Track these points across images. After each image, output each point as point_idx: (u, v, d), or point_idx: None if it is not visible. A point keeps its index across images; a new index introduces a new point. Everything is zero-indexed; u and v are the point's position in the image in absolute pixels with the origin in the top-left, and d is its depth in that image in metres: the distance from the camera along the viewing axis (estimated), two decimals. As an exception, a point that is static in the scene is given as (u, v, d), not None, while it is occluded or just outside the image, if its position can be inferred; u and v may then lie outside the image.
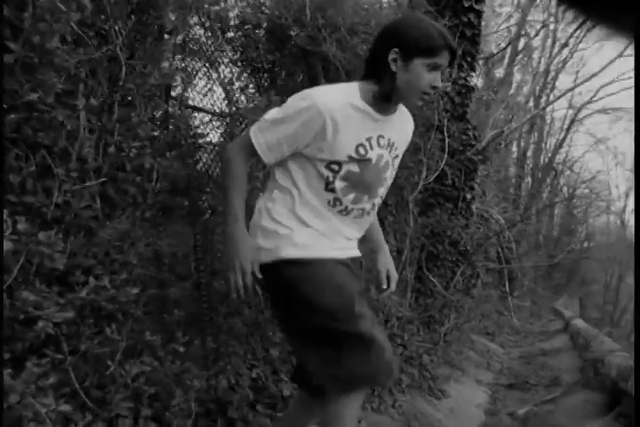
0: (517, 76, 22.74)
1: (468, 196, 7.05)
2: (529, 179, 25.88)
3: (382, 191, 2.13)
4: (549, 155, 26.34)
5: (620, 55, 19.42)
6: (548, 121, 27.75)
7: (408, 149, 2.22)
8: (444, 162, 5.88)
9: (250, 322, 3.59)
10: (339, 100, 1.91)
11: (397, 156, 2.13)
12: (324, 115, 1.87)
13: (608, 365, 5.86)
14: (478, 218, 9.19)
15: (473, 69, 7.48)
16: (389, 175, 2.11)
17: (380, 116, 2.00)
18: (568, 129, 25.03)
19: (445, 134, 6.04)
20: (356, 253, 2.21)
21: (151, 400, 2.52)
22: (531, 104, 23.02)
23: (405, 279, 6.11)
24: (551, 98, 22.45)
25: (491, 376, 9.06)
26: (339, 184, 1.98)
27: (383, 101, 1.97)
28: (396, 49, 1.86)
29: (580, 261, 37.53)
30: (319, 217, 2.01)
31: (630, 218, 37.75)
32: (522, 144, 25.86)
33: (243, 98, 4.17)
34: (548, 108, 25.23)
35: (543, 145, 27.81)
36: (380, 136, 2.02)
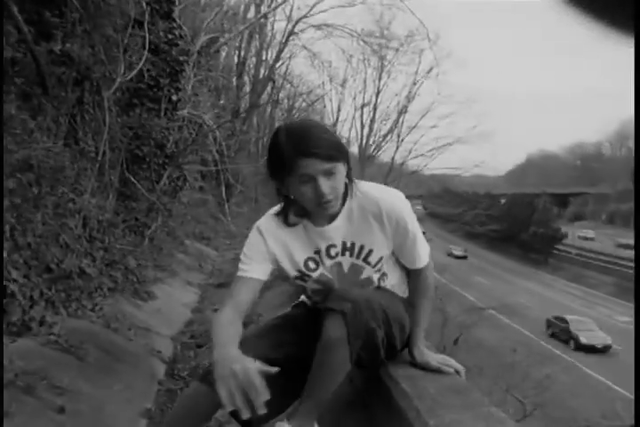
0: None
1: (174, 97, 6.88)
2: (248, 88, 26.34)
3: (370, 286, 2.00)
4: (269, 66, 26.93)
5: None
6: (269, 34, 28.23)
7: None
8: (143, 59, 5.60)
9: None
10: (268, 217, 1.93)
11: (371, 251, 1.91)
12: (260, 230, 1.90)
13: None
14: (192, 124, 9.13)
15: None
16: (370, 273, 1.96)
17: (318, 227, 1.88)
18: (286, 42, 25.67)
19: (147, 30, 5.74)
20: None
21: None
22: (251, 14, 23.06)
23: (107, 182, 5.88)
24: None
25: (202, 277, 9.42)
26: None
27: (306, 215, 1.88)
28: (270, 177, 1.78)
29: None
30: None
31: (341, 129, 40.86)
32: (242, 54, 26.02)
33: None
34: (268, 21, 25.55)
35: (263, 57, 28.34)
36: (331, 245, 1.90)
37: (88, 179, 5.36)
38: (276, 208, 1.92)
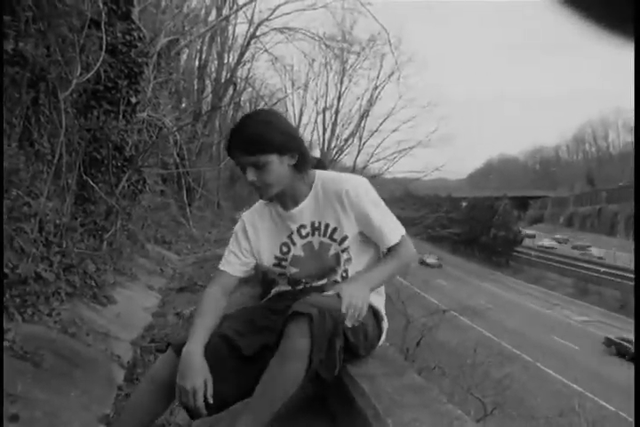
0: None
1: (133, 99, 6.79)
2: (209, 91, 26.17)
3: (336, 266, 2.06)
4: (231, 69, 26.82)
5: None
6: (230, 36, 28.12)
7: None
8: (100, 60, 5.52)
9: None
10: (252, 209, 2.16)
11: (335, 228, 2.03)
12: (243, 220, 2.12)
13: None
14: (152, 127, 9.03)
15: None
16: (337, 250, 2.04)
17: (288, 211, 2.04)
18: (248, 44, 25.58)
19: (104, 31, 5.66)
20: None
21: None
22: (212, 17, 22.93)
23: (64, 185, 5.78)
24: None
25: (163, 282, 9.31)
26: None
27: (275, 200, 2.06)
28: None
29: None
30: None
31: (303, 133, 40.90)
32: (203, 57, 25.85)
33: None
34: (230, 24, 25.44)
35: (225, 60, 28.21)
36: (302, 226, 2.05)
37: (44, 182, 5.25)
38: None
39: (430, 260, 48.64)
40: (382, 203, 2.04)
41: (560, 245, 57.90)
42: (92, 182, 6.13)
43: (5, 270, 4.59)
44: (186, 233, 14.42)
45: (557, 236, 62.41)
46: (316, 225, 2.03)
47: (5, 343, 3.96)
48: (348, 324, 1.79)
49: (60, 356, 4.36)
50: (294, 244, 2.04)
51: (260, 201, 2.10)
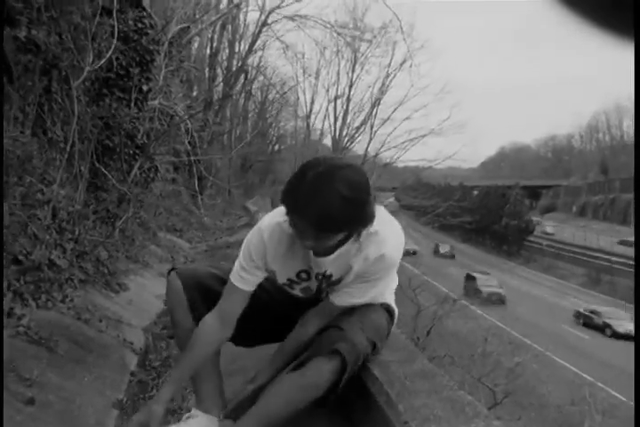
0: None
1: (145, 87, 6.80)
2: (220, 79, 26.10)
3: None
4: (242, 58, 26.75)
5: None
6: (242, 24, 28.01)
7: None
8: (112, 48, 5.52)
9: None
10: (274, 224, 1.93)
11: (340, 280, 1.97)
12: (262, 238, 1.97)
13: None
14: (163, 115, 9.04)
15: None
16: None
17: (316, 257, 1.89)
18: (259, 33, 25.45)
19: (115, 19, 5.65)
20: None
21: None
22: (223, 5, 22.85)
23: (77, 173, 5.81)
24: (243, -1, 22.44)
25: (175, 269, 9.36)
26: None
27: None
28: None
29: (273, 162, 40.09)
30: None
31: (315, 121, 40.95)
32: (214, 45, 25.78)
33: None
34: (241, 11, 25.34)
35: (236, 48, 28.15)
36: (319, 272, 1.97)
37: (57, 169, 5.28)
38: (282, 213, 1.77)
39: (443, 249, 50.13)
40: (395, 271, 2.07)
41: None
42: (104, 170, 6.16)
43: (20, 257, 4.63)
44: (197, 221, 14.50)
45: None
46: (327, 274, 1.95)
47: (20, 329, 4.00)
48: None
49: (74, 341, 4.40)
50: (311, 278, 2.01)
51: (287, 221, 1.73)
